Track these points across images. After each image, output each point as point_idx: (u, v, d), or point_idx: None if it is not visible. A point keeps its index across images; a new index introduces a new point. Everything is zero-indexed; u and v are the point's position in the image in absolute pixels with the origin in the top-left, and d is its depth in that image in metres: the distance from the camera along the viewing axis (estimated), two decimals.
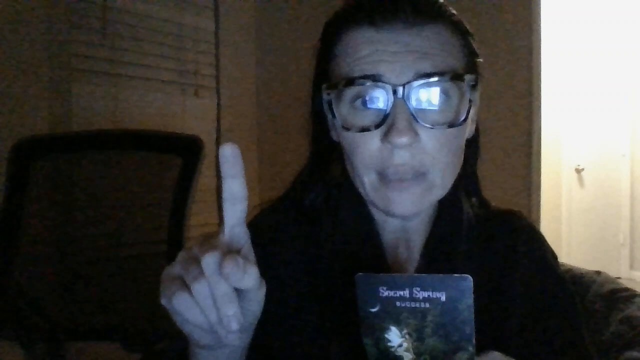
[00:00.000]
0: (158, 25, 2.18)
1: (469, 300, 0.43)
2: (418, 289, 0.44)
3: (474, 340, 0.44)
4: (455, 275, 0.43)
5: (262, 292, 0.46)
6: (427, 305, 0.44)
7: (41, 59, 1.80)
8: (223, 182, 0.44)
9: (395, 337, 0.45)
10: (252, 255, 0.46)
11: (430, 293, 0.44)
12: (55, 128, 1.82)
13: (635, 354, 0.79)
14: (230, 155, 0.44)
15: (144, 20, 2.13)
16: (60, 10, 1.85)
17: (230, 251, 0.43)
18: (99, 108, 2.00)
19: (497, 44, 2.12)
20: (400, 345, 0.45)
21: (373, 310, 0.45)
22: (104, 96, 2.02)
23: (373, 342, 0.46)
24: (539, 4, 2.17)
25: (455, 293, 0.43)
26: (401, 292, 0.44)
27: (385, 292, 0.44)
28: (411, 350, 0.45)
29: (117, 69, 2.05)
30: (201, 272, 0.42)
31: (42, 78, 1.81)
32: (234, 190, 0.45)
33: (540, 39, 2.18)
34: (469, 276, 0.43)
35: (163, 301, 0.44)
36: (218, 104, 2.41)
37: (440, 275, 0.44)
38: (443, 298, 0.43)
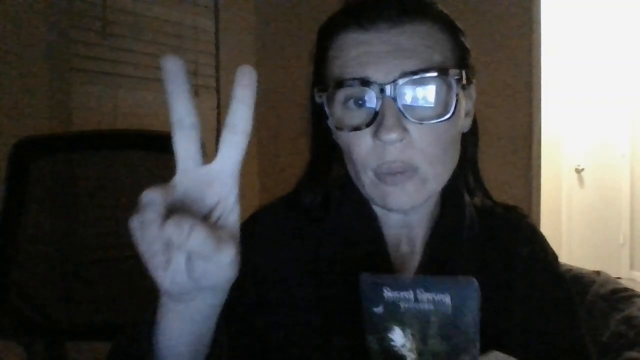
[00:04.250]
0: (158, 25, 2.18)
1: (474, 303, 0.42)
2: (422, 290, 0.43)
3: (478, 344, 0.43)
4: (461, 278, 0.43)
5: (225, 256, 0.40)
6: (431, 307, 0.43)
7: (41, 59, 1.80)
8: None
9: (398, 337, 0.45)
10: (206, 203, 0.42)
11: (434, 295, 0.43)
12: (55, 128, 1.82)
13: (635, 354, 0.79)
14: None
15: (144, 20, 2.13)
16: (60, 10, 1.85)
17: (184, 206, 0.40)
18: (99, 108, 2.00)
19: (497, 44, 2.12)
20: (403, 345, 0.45)
21: (377, 310, 0.45)
22: (104, 96, 2.02)
23: (376, 340, 0.46)
24: (539, 5, 2.17)
25: (461, 296, 0.42)
26: (405, 294, 0.44)
27: (389, 293, 0.44)
28: (414, 350, 0.45)
29: (117, 69, 2.05)
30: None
31: (42, 78, 1.80)
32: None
33: (540, 39, 2.18)
34: (474, 279, 0.42)
35: (132, 222, 0.40)
36: (218, 104, 2.41)
37: (445, 277, 0.43)
38: (448, 301, 0.43)
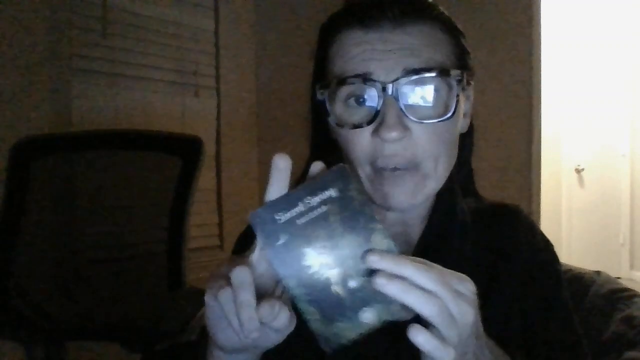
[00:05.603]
0: (158, 25, 2.19)
1: (352, 183, 0.45)
2: (309, 197, 0.44)
3: (379, 224, 0.44)
4: (332, 169, 0.45)
5: (291, 329, 0.47)
6: (325, 207, 0.44)
7: (41, 58, 1.80)
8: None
9: (313, 259, 0.44)
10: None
11: (321, 195, 0.44)
12: (55, 128, 1.82)
13: (635, 354, 0.79)
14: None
15: (144, 20, 2.14)
16: (60, 11, 1.85)
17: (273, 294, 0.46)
18: (99, 108, 2.00)
19: (497, 44, 2.12)
20: (322, 266, 0.44)
21: (280, 242, 0.44)
22: (104, 96, 2.02)
23: (295, 279, 0.44)
24: (539, 5, 2.17)
25: (342, 183, 0.44)
26: (296, 209, 0.44)
27: (282, 217, 0.44)
28: (333, 263, 0.44)
29: (117, 69, 2.05)
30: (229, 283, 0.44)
31: (42, 78, 1.81)
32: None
33: (540, 39, 2.18)
34: (342, 164, 0.45)
35: (207, 297, 0.46)
36: (218, 104, 2.41)
37: (321, 176, 0.45)
38: (334, 193, 0.44)
